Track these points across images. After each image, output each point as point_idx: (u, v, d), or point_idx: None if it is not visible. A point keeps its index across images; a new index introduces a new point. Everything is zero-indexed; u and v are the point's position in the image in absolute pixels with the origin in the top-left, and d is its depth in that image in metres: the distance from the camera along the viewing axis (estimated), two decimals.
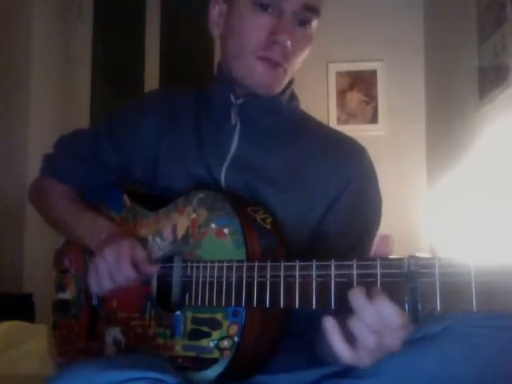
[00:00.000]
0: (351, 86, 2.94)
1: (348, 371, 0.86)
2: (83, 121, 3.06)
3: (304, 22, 0.98)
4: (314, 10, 0.98)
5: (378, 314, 0.65)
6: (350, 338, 0.68)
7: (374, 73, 2.92)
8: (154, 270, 0.94)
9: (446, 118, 2.51)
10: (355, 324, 0.67)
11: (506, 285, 0.61)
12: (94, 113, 3.18)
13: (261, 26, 0.96)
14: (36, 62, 2.85)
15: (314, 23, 1.00)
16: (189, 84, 1.14)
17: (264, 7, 0.96)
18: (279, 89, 1.03)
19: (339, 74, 2.94)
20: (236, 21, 0.99)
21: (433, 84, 2.79)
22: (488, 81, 1.97)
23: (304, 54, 1.02)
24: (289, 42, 0.95)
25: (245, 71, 1.00)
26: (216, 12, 1.04)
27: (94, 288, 0.95)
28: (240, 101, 1.02)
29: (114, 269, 0.91)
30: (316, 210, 1.01)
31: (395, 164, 2.70)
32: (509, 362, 0.77)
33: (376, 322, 0.66)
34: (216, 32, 1.05)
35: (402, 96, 2.88)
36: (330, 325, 0.68)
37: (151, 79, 3.15)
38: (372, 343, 0.66)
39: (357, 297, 0.67)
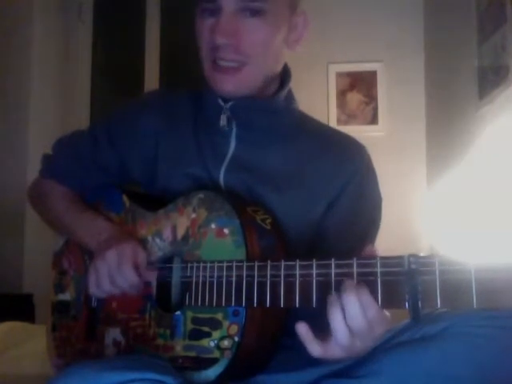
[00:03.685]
0: (351, 87, 2.94)
1: (348, 371, 0.86)
2: (83, 121, 3.05)
3: (255, 12, 0.96)
4: None
5: (356, 300, 0.69)
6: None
7: (374, 73, 2.91)
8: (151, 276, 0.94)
9: (446, 118, 2.50)
10: (332, 311, 0.70)
11: (506, 283, 0.61)
12: (94, 113, 3.18)
13: (205, 30, 0.98)
14: (36, 61, 2.85)
15: (272, 7, 0.96)
16: (188, 84, 1.14)
17: (209, 11, 0.97)
18: (249, 84, 1.00)
19: (339, 75, 2.94)
20: (195, 33, 1.02)
21: (433, 84, 2.79)
22: (488, 81, 1.97)
23: (271, 42, 0.99)
24: (223, 40, 0.95)
25: (208, 79, 1.02)
26: None
27: (94, 290, 0.94)
28: (230, 103, 1.02)
29: (115, 272, 0.91)
30: (316, 210, 1.01)
31: (395, 164, 2.70)
32: (509, 362, 0.77)
33: (352, 309, 0.69)
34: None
35: (402, 96, 2.87)
36: (301, 328, 0.73)
37: (151, 79, 3.15)
38: (344, 330, 0.70)
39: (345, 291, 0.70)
